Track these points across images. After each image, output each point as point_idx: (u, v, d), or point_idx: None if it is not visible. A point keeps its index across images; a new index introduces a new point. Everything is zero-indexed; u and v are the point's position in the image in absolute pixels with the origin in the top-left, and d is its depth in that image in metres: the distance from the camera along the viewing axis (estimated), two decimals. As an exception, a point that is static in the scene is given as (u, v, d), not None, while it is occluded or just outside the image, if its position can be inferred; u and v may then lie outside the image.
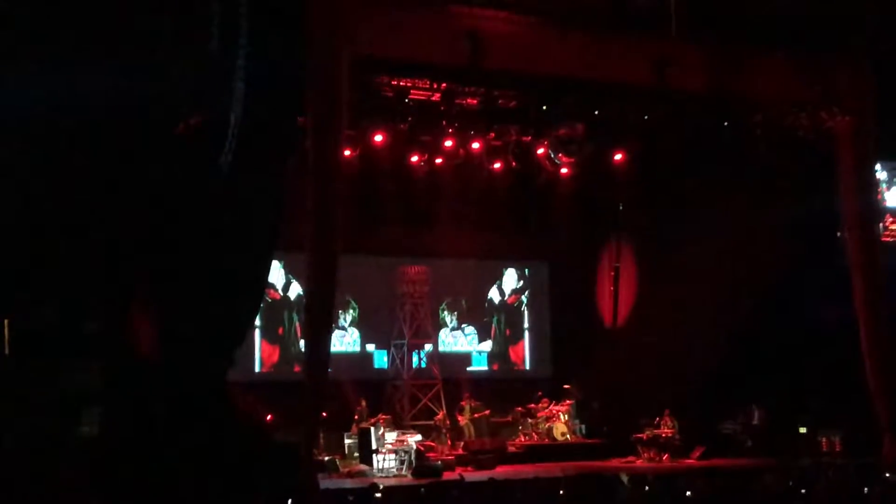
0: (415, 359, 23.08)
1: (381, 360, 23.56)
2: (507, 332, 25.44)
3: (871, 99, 18.84)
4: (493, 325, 25.21)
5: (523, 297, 25.73)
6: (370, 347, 23.60)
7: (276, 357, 22.58)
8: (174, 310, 10.42)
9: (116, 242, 10.49)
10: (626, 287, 23.98)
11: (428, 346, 23.35)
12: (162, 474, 10.48)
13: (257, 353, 22.33)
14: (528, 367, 25.37)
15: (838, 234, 20.16)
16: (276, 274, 22.19)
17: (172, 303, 10.40)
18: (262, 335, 22.56)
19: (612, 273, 24.12)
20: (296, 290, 22.63)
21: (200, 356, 10.80)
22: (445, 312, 24.67)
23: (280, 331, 22.77)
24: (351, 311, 23.35)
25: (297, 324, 22.45)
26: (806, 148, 19.62)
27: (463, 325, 24.91)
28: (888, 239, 21.36)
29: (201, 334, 10.61)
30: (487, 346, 25.04)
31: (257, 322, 21.47)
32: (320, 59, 14.93)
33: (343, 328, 23.23)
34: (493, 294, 25.42)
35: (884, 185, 21.67)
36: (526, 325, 25.78)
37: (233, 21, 11.17)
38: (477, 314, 25.11)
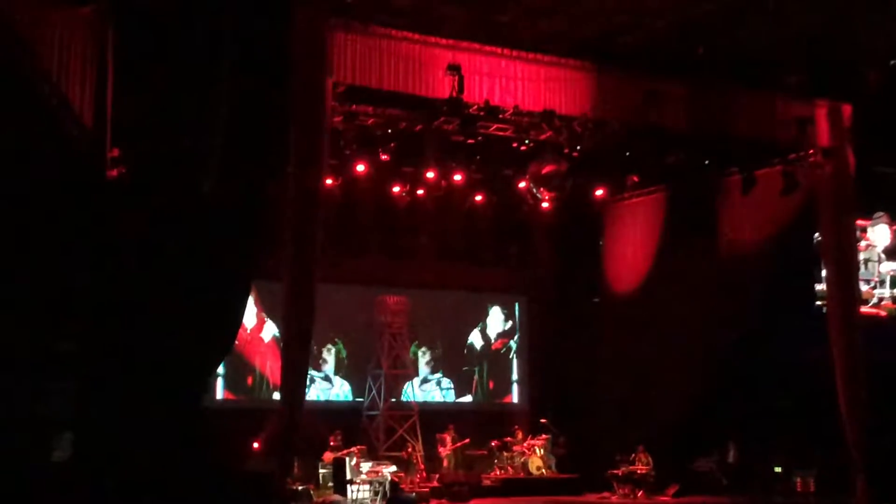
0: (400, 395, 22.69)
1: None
2: (491, 384, 24.28)
3: (849, 148, 18.97)
4: (475, 377, 24.21)
5: (511, 343, 24.77)
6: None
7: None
8: (148, 333, 10.38)
9: (93, 264, 10.47)
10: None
11: (406, 384, 23.00)
12: (134, 500, 10.40)
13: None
14: (515, 401, 24.76)
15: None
16: (248, 309, 20.29)
17: (147, 326, 10.36)
18: (226, 385, 21.40)
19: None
20: (270, 330, 21.75)
21: (174, 381, 10.75)
22: (419, 355, 23.61)
23: (250, 381, 21.70)
24: (335, 352, 22.64)
25: (269, 372, 21.36)
26: (784, 187, 19.72)
27: (438, 375, 23.85)
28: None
29: (176, 359, 10.57)
30: (467, 400, 24.07)
31: (220, 371, 20.46)
32: (303, 87, 14.98)
33: (328, 379, 22.58)
34: (475, 338, 24.41)
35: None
36: (514, 376, 24.67)
37: (217, 48, 11.20)
38: (455, 362, 24.04)
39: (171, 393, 10.90)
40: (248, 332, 21.64)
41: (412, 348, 23.57)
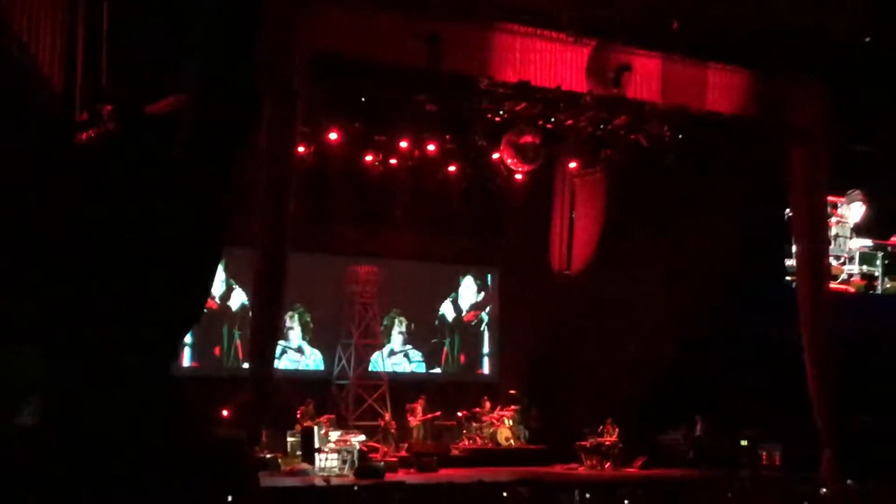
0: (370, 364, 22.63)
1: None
2: (462, 357, 24.15)
3: (827, 124, 19.02)
4: (445, 348, 24.12)
5: (483, 315, 24.62)
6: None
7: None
8: (116, 299, 10.26)
9: (58, 228, 10.34)
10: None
11: (376, 355, 22.92)
12: (100, 467, 10.32)
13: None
14: (486, 373, 24.69)
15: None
16: (217, 277, 19.95)
17: (115, 292, 10.24)
18: (194, 356, 21.11)
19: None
20: (238, 298, 21.49)
21: (142, 348, 10.66)
22: (395, 325, 23.39)
23: (217, 351, 21.47)
24: (301, 319, 22.40)
25: (238, 341, 21.27)
26: (758, 163, 19.78)
27: (408, 347, 23.74)
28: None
29: (144, 324, 10.47)
30: (437, 373, 23.98)
31: (187, 340, 20.22)
32: (277, 53, 14.82)
33: (300, 350, 22.41)
34: (447, 309, 24.26)
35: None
36: (486, 349, 24.57)
37: (188, 11, 11.05)
38: (424, 334, 23.91)
39: (139, 359, 10.83)
40: (217, 299, 21.48)
41: (386, 318, 23.42)
